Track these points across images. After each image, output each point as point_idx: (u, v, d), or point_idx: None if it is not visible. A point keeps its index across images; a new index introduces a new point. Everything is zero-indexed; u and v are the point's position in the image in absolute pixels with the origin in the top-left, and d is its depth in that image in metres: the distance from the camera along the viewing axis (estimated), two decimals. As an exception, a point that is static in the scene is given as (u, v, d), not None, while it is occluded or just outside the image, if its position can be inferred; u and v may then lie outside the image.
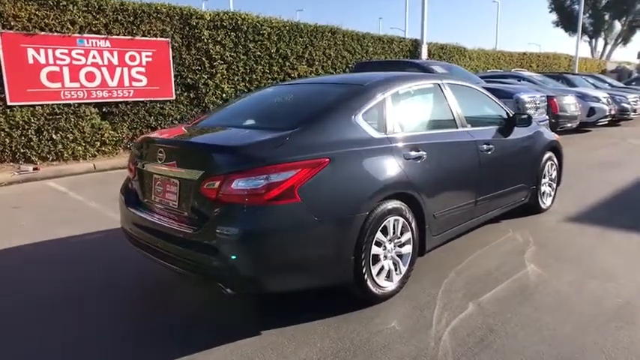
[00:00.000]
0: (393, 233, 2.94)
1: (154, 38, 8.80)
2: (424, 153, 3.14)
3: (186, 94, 9.44)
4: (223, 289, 2.49)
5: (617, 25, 44.66)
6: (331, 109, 2.91)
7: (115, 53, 8.40)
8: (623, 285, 3.16)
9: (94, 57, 8.15)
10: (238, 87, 10.24)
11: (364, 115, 2.96)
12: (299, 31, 11.20)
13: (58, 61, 7.70)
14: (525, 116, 4.25)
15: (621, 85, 17.64)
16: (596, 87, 14.52)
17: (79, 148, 8.11)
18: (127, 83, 8.59)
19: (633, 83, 20.07)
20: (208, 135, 3.07)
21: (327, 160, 2.58)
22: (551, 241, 4.07)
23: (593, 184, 6.13)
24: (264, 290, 2.57)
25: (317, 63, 11.73)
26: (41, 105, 7.62)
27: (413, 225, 3.05)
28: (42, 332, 2.68)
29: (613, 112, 12.27)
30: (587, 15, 42.18)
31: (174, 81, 9.20)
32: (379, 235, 2.82)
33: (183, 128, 3.40)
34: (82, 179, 7.24)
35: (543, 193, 4.82)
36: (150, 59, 8.83)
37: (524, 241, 4.07)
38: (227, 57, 9.90)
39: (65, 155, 7.97)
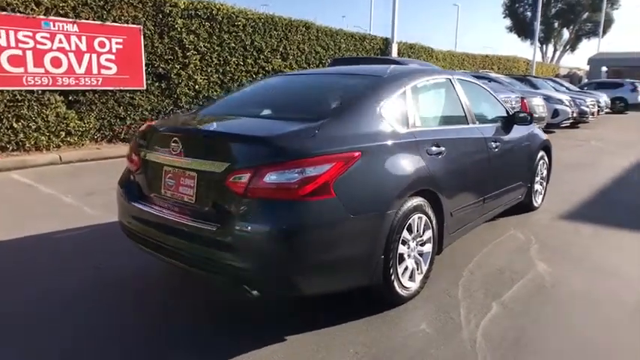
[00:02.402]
0: (417, 231, 2.84)
1: (125, 24, 8.32)
2: (444, 149, 3.06)
3: (157, 84, 9.00)
4: (248, 292, 2.30)
5: (566, 33, 47.01)
6: (357, 100, 2.77)
7: (84, 38, 7.86)
8: (632, 283, 3.21)
9: (60, 41, 7.59)
10: (212, 79, 9.87)
11: (387, 107, 2.84)
12: (274, 24, 10.94)
13: (20, 44, 7.11)
14: (523, 115, 4.25)
15: (576, 89, 18.43)
16: (556, 90, 15.07)
17: (43, 138, 7.54)
18: (95, 71, 8.08)
19: (585, 88, 21.08)
20: (231, 124, 2.84)
21: (359, 153, 2.44)
22: (551, 239, 4.10)
23: (573, 184, 6.29)
24: (295, 292, 2.40)
25: (291, 57, 11.52)
26: (1, 91, 7.02)
27: (434, 222, 2.97)
28: (35, 339, 2.39)
29: (575, 115, 12.77)
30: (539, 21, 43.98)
31: (146, 70, 8.74)
32: (405, 233, 2.71)
33: (190, 117, 3.15)
34: (48, 171, 6.73)
35: (536, 191, 4.88)
36: (120, 46, 8.33)
37: (525, 239, 4.08)
38: (201, 47, 9.52)
39: (27, 145, 7.39)
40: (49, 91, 7.55)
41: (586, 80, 27.40)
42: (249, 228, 2.23)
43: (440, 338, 2.46)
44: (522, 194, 4.57)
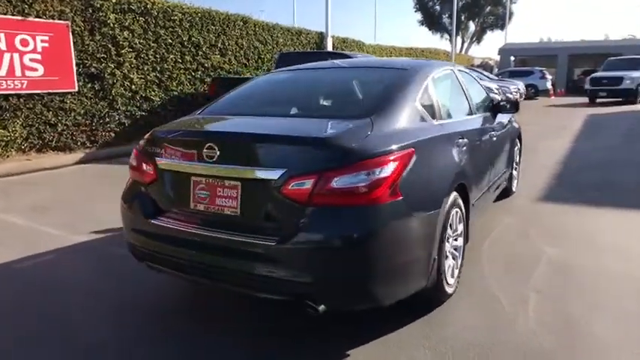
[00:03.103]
0: (455, 226, 2.77)
1: (51, 20, 7.46)
2: (466, 140, 3.02)
3: (90, 85, 8.19)
4: (313, 308, 2.09)
5: (472, 26, 50.09)
6: (394, 94, 2.62)
7: (2, 36, 6.94)
8: (633, 257, 3.40)
9: (-27, 40, 6.65)
10: (149, 77, 9.18)
11: (421, 100, 2.73)
12: (211, 19, 10.43)
13: None
14: (504, 103, 4.34)
15: (496, 77, 19.64)
16: (480, 79, 15.93)
17: (-40, 151, 6.58)
18: (18, 72, 7.16)
19: (500, 76, 22.54)
20: (271, 125, 2.52)
21: (413, 150, 2.30)
22: (542, 222, 4.24)
23: (530, 168, 6.58)
24: (370, 303, 2.21)
25: (230, 53, 11.07)
26: None
27: (464, 215, 2.92)
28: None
29: (503, 102, 13.56)
30: (447, 15, 46.45)
31: (77, 71, 7.91)
32: (448, 229, 2.63)
33: (206, 119, 2.79)
34: (-26, 190, 5.85)
35: (513, 176, 5.05)
36: (46, 45, 7.46)
37: (518, 224, 4.18)
38: (136, 44, 8.81)
39: (-59, 161, 6.41)
40: (-35, 97, 6.59)
41: (497, 70, 29.36)
42: (318, 238, 2.02)
43: (500, 332, 2.41)
44: (506, 179, 4.70)
